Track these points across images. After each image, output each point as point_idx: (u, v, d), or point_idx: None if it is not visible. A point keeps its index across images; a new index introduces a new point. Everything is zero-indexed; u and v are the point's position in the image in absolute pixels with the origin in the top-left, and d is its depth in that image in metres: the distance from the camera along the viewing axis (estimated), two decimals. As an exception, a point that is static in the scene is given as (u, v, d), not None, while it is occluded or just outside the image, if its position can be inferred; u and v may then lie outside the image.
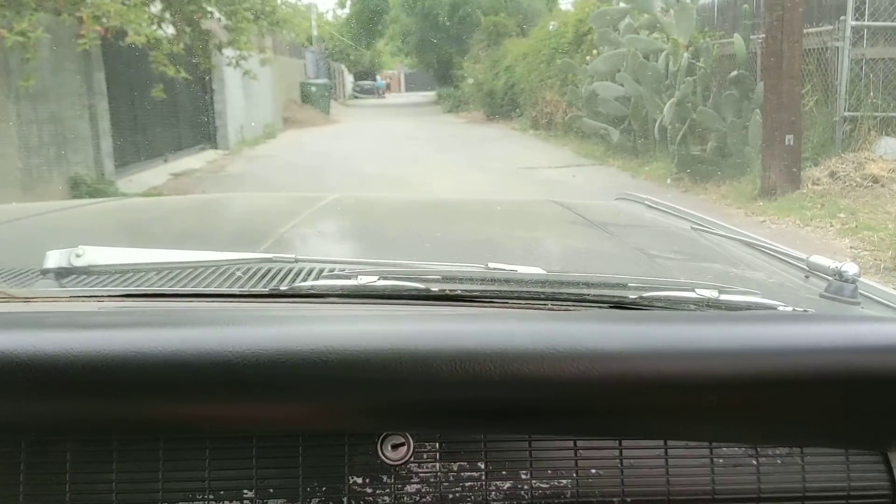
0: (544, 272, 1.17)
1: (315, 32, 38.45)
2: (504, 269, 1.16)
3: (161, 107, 13.15)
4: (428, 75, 44.28)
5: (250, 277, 1.19)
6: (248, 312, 0.98)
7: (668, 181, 10.52)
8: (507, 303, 1.10)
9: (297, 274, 1.22)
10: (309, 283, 1.11)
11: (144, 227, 1.97)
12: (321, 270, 1.22)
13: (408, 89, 59.56)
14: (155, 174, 12.21)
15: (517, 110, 21.35)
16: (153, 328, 0.88)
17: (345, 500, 0.94)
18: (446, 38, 33.24)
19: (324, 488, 0.94)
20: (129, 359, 0.83)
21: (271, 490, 0.94)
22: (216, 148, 16.09)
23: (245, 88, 18.35)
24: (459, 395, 0.87)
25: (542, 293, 1.11)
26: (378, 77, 51.55)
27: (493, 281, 1.13)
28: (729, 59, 10.58)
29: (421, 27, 34.03)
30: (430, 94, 42.12)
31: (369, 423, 0.92)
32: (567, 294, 1.10)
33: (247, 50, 11.97)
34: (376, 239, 1.83)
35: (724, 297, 1.10)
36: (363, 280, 1.08)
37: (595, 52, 12.89)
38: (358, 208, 2.30)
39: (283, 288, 1.10)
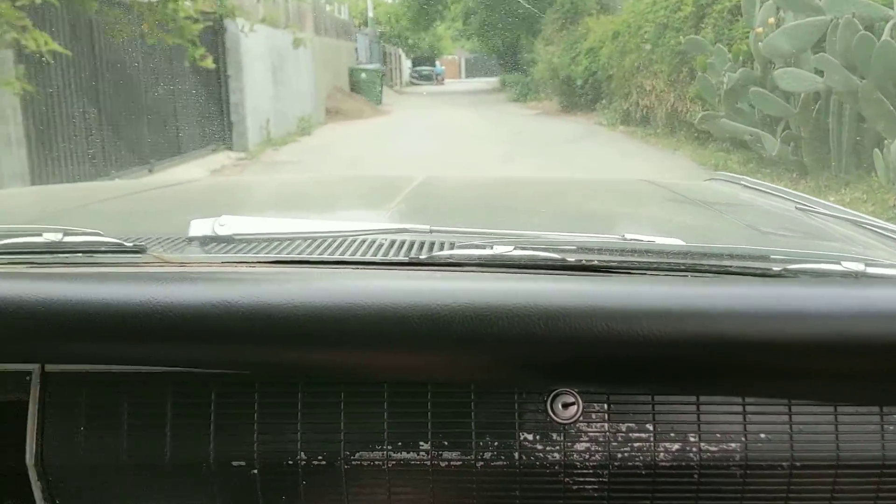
0: (684, 243, 1.16)
1: (371, 14, 35.89)
2: (641, 240, 1.17)
3: (150, 96, 9.98)
4: (491, 60, 41.81)
5: (389, 246, 1.21)
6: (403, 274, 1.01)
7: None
8: (646, 273, 1.08)
9: (432, 243, 1.23)
10: (447, 252, 1.11)
11: (250, 202, 2.10)
12: (455, 241, 1.21)
13: (468, 75, 57.12)
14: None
15: (602, 101, 17.82)
16: (317, 281, 0.96)
17: (516, 455, 0.97)
18: (514, 19, 29.94)
19: (496, 443, 0.97)
20: (300, 309, 0.88)
21: (446, 443, 0.97)
22: (231, 149, 12.89)
23: (275, 74, 15.15)
24: (624, 353, 0.90)
25: (683, 264, 1.08)
26: (437, 62, 48.42)
27: (631, 251, 1.13)
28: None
29: (486, 7, 30.79)
30: (493, 81, 39.19)
31: (538, 377, 0.96)
32: (709, 266, 1.08)
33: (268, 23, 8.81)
34: (493, 212, 1.84)
35: (871, 269, 1.06)
36: (499, 249, 1.08)
37: (772, 20, 8.78)
38: (456, 185, 2.40)
39: (422, 257, 1.10)
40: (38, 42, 4.22)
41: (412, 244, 1.22)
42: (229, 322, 0.88)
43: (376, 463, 0.97)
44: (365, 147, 13.73)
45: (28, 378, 0.98)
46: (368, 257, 1.16)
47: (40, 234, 1.12)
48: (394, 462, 0.97)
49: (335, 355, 0.92)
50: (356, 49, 28.54)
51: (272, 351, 0.91)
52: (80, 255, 1.11)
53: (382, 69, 28.62)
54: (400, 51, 42.80)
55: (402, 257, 1.16)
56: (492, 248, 1.09)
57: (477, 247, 1.10)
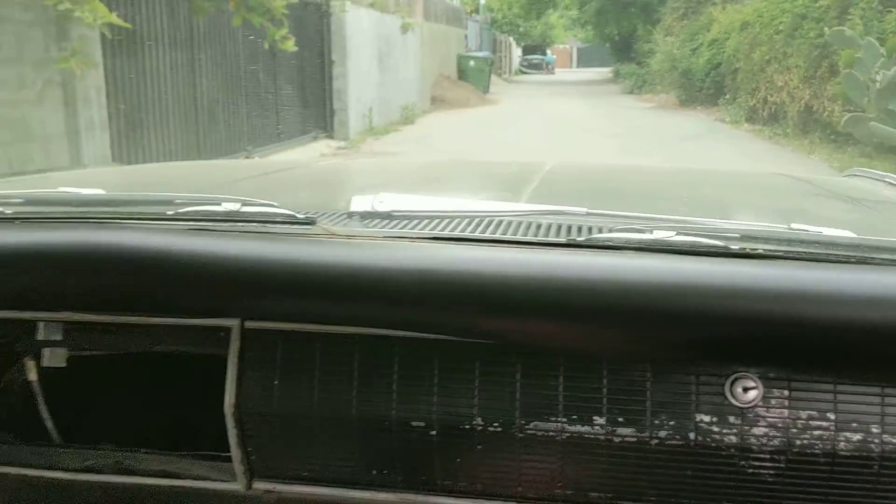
0: (854, 235, 1.11)
1: (483, 0, 35.26)
2: (809, 230, 1.12)
3: (250, 81, 9.62)
4: (604, 50, 40.64)
5: (547, 227, 1.21)
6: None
7: None
8: (818, 263, 1.03)
9: (590, 227, 1.20)
10: (605, 234, 1.09)
11: (389, 181, 2.14)
12: (612, 224, 1.18)
13: (580, 65, 56.04)
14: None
15: (725, 96, 16.65)
16: (481, 254, 1.00)
17: (691, 435, 0.97)
18: (631, 7, 28.79)
19: (671, 423, 0.97)
20: (467, 277, 0.94)
21: (620, 419, 0.97)
22: (332, 137, 12.47)
23: (381, 61, 14.69)
24: (806, 338, 0.91)
25: (853, 257, 1.02)
26: (548, 51, 47.44)
27: (798, 241, 1.08)
28: None
29: (602, -6, 29.71)
30: (605, 72, 38.01)
31: (716, 357, 0.96)
32: (881, 259, 1.02)
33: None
34: (637, 197, 1.83)
35: None
36: (659, 234, 1.06)
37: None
38: (588, 171, 2.46)
39: (579, 238, 1.10)
40: (95, 15, 3.76)
41: (569, 226, 1.21)
42: (403, 286, 0.93)
43: (550, 434, 0.98)
44: (469, 138, 13.10)
45: (228, 333, 1.04)
46: (527, 237, 1.15)
47: (219, 203, 1.17)
48: (568, 434, 0.98)
49: (503, 323, 0.94)
50: (466, 36, 27.90)
51: (441, 315, 0.95)
52: (254, 224, 1.15)
53: (491, 57, 27.88)
54: (511, 38, 42.04)
55: (559, 238, 1.14)
56: (651, 232, 1.07)
57: (636, 230, 1.09)
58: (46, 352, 1.15)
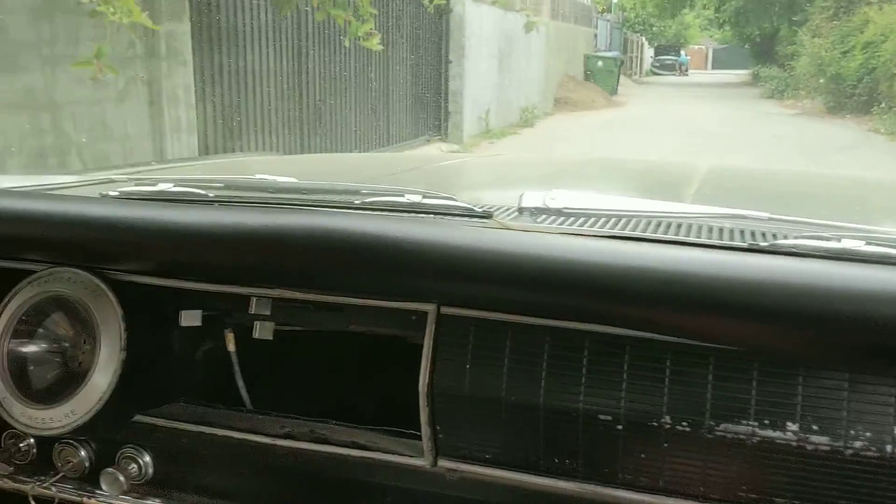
0: None
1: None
2: None
3: (360, 81, 9.16)
4: (742, 51, 38.74)
5: (730, 231, 1.19)
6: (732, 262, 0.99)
7: None
8: None
9: (774, 233, 1.18)
10: (790, 241, 1.06)
11: (539, 177, 2.13)
12: (796, 230, 1.16)
13: (715, 67, 53.84)
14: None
15: (881, 104, 15.13)
16: (660, 253, 0.99)
17: (889, 448, 0.94)
18: (774, 6, 27.08)
19: (868, 434, 0.94)
20: (649, 273, 0.94)
21: (814, 427, 0.95)
22: (445, 140, 11.89)
23: (501, 60, 14.03)
24: None
25: None
26: (682, 52, 45.65)
27: None
28: None
29: (743, -8, 28.12)
30: (743, 74, 36.04)
31: None
32: None
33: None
34: (814, 202, 1.80)
35: None
36: (848, 244, 1.03)
37: None
38: (749, 174, 2.43)
39: (762, 244, 1.07)
40: (122, 12, 3.25)
41: (752, 231, 1.18)
42: (595, 281, 0.94)
43: (740, 437, 0.96)
44: (592, 143, 12.27)
45: (424, 317, 1.08)
46: (705, 240, 1.12)
47: (403, 195, 1.23)
48: (758, 439, 0.96)
49: (691, 321, 0.93)
50: (595, 35, 26.91)
51: (630, 311, 0.95)
52: (434, 215, 1.20)
53: (621, 57, 26.76)
54: (643, 38, 40.71)
55: (741, 242, 1.10)
56: (839, 241, 1.04)
57: (822, 238, 1.06)
58: (257, 324, 1.21)
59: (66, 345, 1.20)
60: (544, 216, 1.22)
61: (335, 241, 1.04)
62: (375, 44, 5.01)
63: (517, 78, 15.14)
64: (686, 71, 43.50)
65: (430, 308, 1.08)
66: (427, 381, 1.06)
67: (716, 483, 0.99)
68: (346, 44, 5.36)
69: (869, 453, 0.93)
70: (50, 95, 4.68)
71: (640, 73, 38.76)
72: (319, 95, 8.25)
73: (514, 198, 1.28)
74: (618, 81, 23.60)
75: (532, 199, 1.25)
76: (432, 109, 11.74)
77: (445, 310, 1.07)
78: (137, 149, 5.34)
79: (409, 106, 10.89)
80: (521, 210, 1.25)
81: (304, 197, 1.28)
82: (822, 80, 18.08)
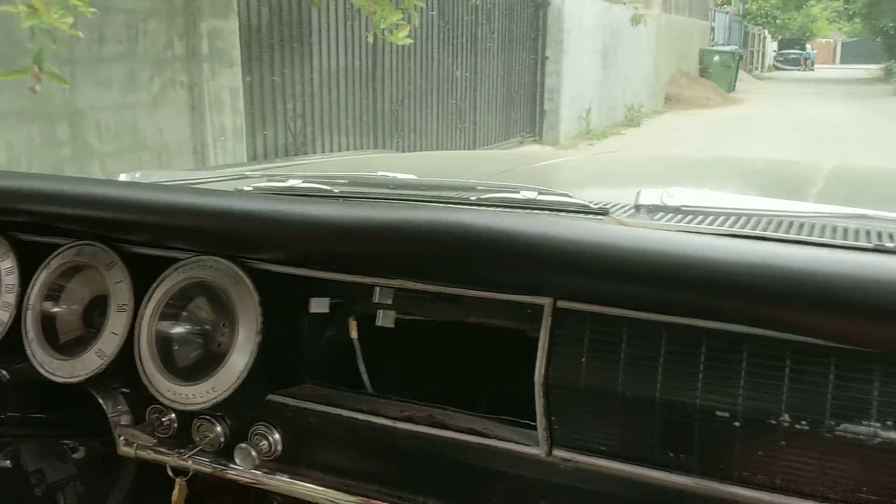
0: None
1: (736, -10, 32.47)
2: None
3: (441, 80, 8.55)
4: (873, 45, 36.13)
5: (855, 232, 1.17)
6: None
7: None
8: None
9: None
10: None
11: (654, 175, 2.17)
12: None
13: (843, 61, 50.85)
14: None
15: None
16: (783, 251, 0.96)
17: None
18: (912, -5, 25.06)
19: None
20: (768, 270, 0.91)
21: None
22: (539, 141, 11.13)
23: (605, 56, 13.14)
24: None
25: None
26: (808, 46, 43.18)
27: None
28: None
29: (878, -19, 26.10)
30: (874, 69, 33.63)
31: None
32: None
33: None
34: None
35: None
36: None
37: None
38: (879, 173, 2.45)
39: (889, 245, 1.06)
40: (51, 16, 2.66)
41: (878, 232, 1.17)
42: (715, 277, 0.93)
43: (861, 438, 0.94)
44: (703, 144, 11.26)
45: (540, 310, 1.10)
46: (828, 239, 1.11)
47: (518, 192, 1.27)
48: (880, 440, 0.93)
49: (813, 319, 0.91)
50: (712, 28, 25.46)
51: (751, 308, 0.94)
52: (549, 212, 1.23)
53: (739, 52, 25.22)
54: (765, 31, 38.63)
55: (866, 243, 1.09)
56: None
57: None
58: (380, 312, 1.26)
59: (208, 327, 1.30)
60: (662, 214, 1.24)
61: (454, 234, 1.06)
62: (402, 37, 4.33)
63: (623, 74, 14.20)
64: (812, 66, 41.05)
65: (546, 301, 1.09)
66: (543, 372, 1.07)
67: (835, 483, 0.97)
68: (370, 39, 4.68)
69: None
70: (70, 101, 4.23)
71: (762, 67, 36.80)
72: (397, 96, 7.66)
73: (630, 196, 1.30)
74: (736, 77, 22.20)
75: (649, 196, 1.27)
76: (526, 109, 10.99)
77: (562, 304, 1.08)
78: (176, 159, 4.85)
79: (500, 106, 10.20)
80: (637, 207, 1.26)
81: (424, 193, 1.37)
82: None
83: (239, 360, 1.21)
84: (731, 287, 0.93)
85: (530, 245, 1.02)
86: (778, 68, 39.85)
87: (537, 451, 1.11)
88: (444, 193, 1.35)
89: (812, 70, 40.00)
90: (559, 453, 1.10)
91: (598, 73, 12.92)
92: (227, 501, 1.53)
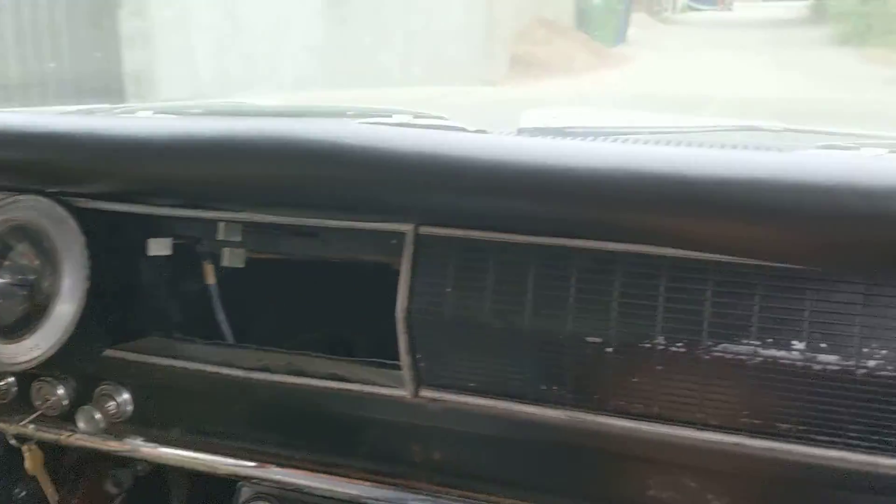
0: None
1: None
2: None
3: None
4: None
5: (743, 145, 1.15)
6: None
7: None
8: None
9: (785, 146, 1.16)
10: (807, 151, 1.06)
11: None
12: (813, 141, 1.14)
13: (767, -1, 46.26)
14: None
15: None
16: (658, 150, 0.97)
17: None
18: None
19: (884, 351, 0.89)
20: (632, 174, 0.90)
21: (823, 345, 0.91)
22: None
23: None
24: None
25: None
26: (727, -19, 38.58)
27: None
28: None
29: None
30: (801, 7, 28.65)
31: None
32: None
33: None
34: (846, 117, 1.75)
35: None
36: (866, 153, 1.03)
37: None
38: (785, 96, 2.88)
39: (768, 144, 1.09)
40: None
41: (765, 143, 1.15)
42: (582, 183, 0.90)
43: (741, 357, 0.93)
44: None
45: (402, 238, 1.05)
46: (711, 147, 1.10)
47: (390, 115, 1.21)
48: (760, 359, 0.92)
49: (686, 224, 0.90)
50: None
51: (618, 216, 0.91)
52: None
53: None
54: (681, -35, 33.70)
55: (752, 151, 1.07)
56: (858, 149, 1.03)
57: (840, 147, 1.03)
58: (226, 251, 1.21)
59: (32, 277, 1.20)
60: (545, 136, 1.18)
61: (296, 147, 0.98)
62: None
63: (406, 24, 8.42)
64: (730, 4, 36.42)
65: (407, 228, 1.03)
66: (405, 306, 1.03)
67: (715, 408, 0.94)
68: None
69: (884, 373, 0.88)
70: None
71: (674, 9, 31.90)
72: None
73: (515, 120, 1.26)
74: (626, 25, 16.93)
75: (533, 118, 1.23)
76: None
77: (424, 230, 1.03)
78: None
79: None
80: (521, 130, 1.22)
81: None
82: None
83: (65, 311, 1.14)
84: (592, 192, 0.89)
85: (381, 158, 0.96)
86: (693, 8, 35.24)
87: (403, 393, 1.06)
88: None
89: (731, 10, 35.49)
90: (426, 393, 1.06)
91: (318, 23, 7.07)
92: (108, 469, 1.45)
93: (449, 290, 1.00)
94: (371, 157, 0.95)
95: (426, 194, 0.96)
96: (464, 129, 1.14)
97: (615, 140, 1.12)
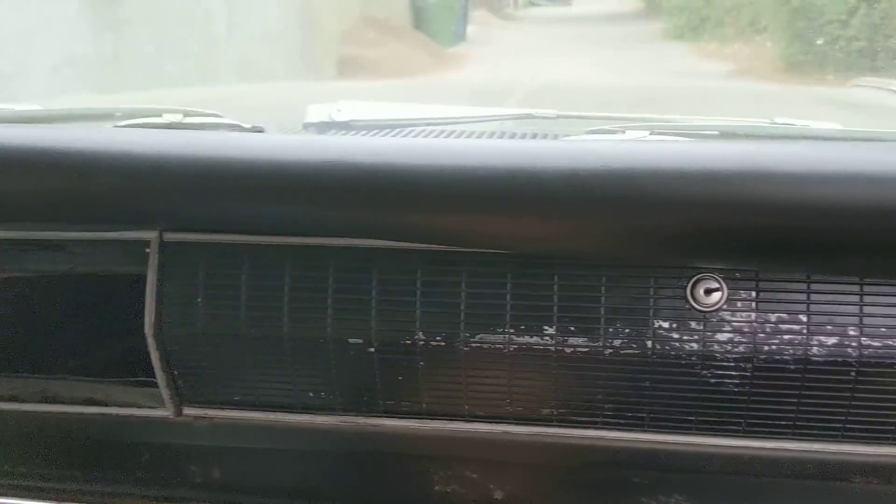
0: (841, 126, 1.07)
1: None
2: (794, 124, 1.10)
3: None
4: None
5: (523, 136, 1.17)
6: None
7: None
8: None
9: (558, 132, 1.19)
10: (573, 137, 1.06)
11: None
12: (584, 126, 1.17)
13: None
14: None
15: (882, 55, 8.51)
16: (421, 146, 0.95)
17: (649, 343, 0.94)
18: None
19: (626, 330, 0.94)
20: (406, 170, 0.88)
21: (572, 328, 0.95)
22: None
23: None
24: (780, 221, 0.84)
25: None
26: (566, -24, 39.49)
27: (783, 137, 1.07)
28: None
29: None
30: (639, 2, 29.33)
31: (678, 249, 0.90)
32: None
33: None
34: (624, 101, 1.85)
35: None
36: (632, 135, 1.05)
37: None
38: (582, 84, 2.71)
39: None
40: None
41: (539, 131, 1.16)
42: (343, 182, 0.87)
43: (497, 346, 0.95)
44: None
45: (147, 247, 1.00)
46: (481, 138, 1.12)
47: (160, 115, 1.18)
48: (515, 346, 0.95)
49: (442, 219, 0.88)
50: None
51: (384, 214, 0.89)
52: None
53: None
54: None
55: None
56: (623, 132, 1.04)
57: (607, 132, 1.05)
58: None
59: None
60: (331, 131, 1.18)
61: (41, 157, 0.92)
62: None
63: (195, 37, 7.45)
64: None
65: (151, 236, 1.00)
66: (152, 320, 0.99)
67: (480, 399, 0.96)
68: None
69: (629, 351, 0.93)
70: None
71: (516, 3, 32.23)
72: None
73: (313, 111, 1.23)
74: (465, 23, 16.48)
75: (317, 113, 1.23)
76: None
77: (169, 236, 0.99)
78: None
79: None
80: (305, 126, 1.22)
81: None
82: (777, 14, 11.21)
83: None
84: (338, 191, 0.87)
85: (114, 162, 0.91)
86: (534, 4, 35.82)
87: (165, 413, 1.03)
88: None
89: (569, 4, 36.31)
90: (190, 411, 1.02)
91: (84, 30, 6.01)
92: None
93: (200, 299, 0.97)
94: (118, 163, 0.90)
95: (167, 198, 0.91)
96: (239, 127, 1.13)
97: (392, 133, 1.14)
